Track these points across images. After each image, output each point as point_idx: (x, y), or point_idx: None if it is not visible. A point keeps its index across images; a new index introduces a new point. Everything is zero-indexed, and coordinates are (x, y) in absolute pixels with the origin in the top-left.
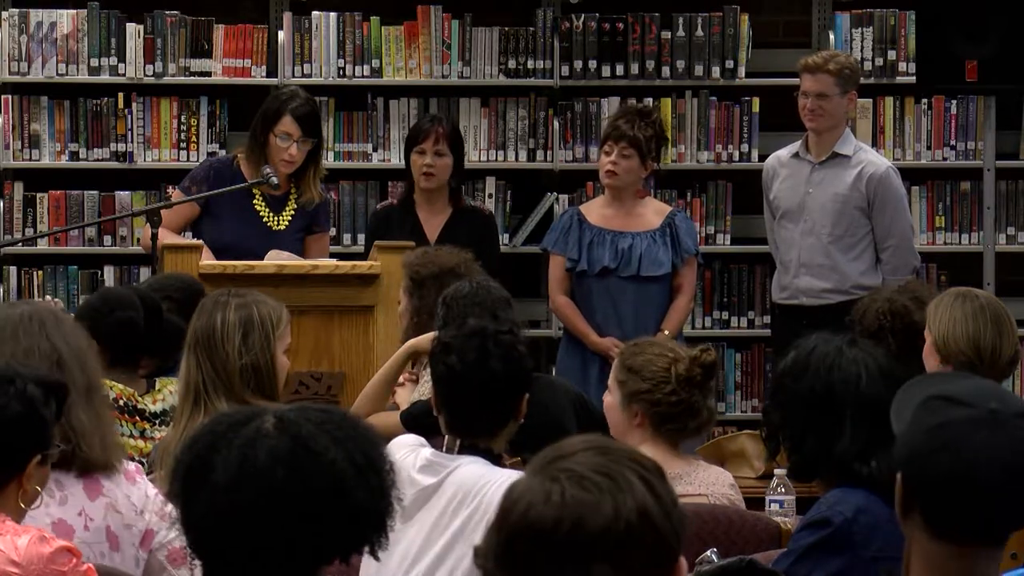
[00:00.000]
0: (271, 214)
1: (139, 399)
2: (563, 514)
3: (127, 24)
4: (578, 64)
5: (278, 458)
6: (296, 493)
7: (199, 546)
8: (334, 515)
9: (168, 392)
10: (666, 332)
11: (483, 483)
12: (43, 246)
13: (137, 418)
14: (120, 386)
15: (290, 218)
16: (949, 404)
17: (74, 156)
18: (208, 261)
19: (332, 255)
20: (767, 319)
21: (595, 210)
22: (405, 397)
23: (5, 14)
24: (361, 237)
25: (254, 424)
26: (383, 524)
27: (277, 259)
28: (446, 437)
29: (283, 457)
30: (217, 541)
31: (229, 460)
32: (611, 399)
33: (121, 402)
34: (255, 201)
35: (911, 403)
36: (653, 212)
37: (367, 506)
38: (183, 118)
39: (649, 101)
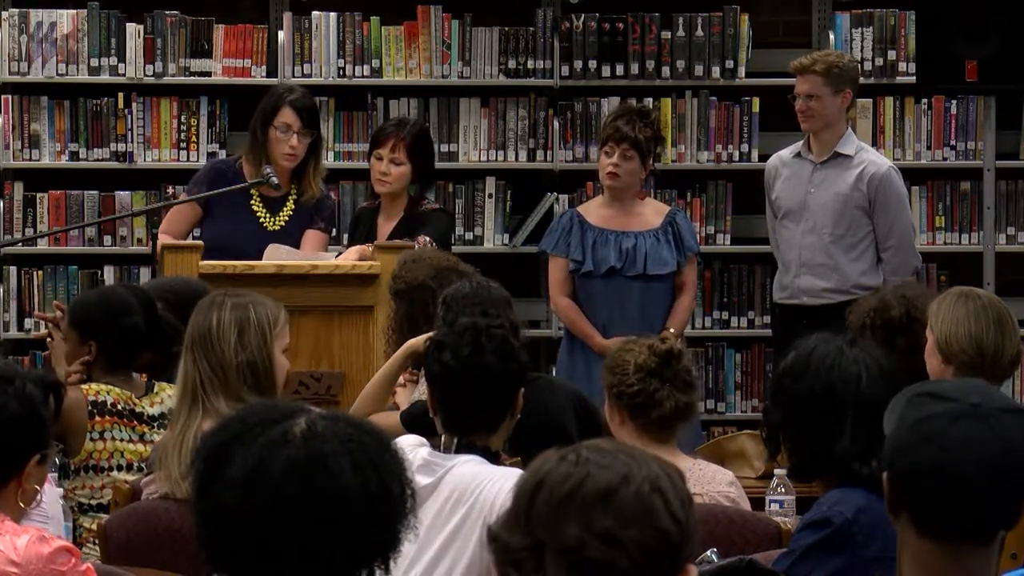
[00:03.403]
0: (267, 215)
1: (136, 402)
2: (574, 471)
3: (127, 24)
4: (578, 64)
5: (292, 469)
6: (300, 510)
7: (204, 534)
8: (335, 537)
9: (167, 395)
10: (672, 330)
11: (479, 481)
12: (43, 246)
13: (135, 422)
14: (117, 390)
15: (287, 218)
16: (932, 399)
17: (74, 156)
18: (208, 261)
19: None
20: (767, 319)
21: (594, 211)
22: (405, 397)
23: (5, 14)
24: None
25: (283, 426)
26: (385, 552)
27: (276, 255)
28: (443, 436)
29: (297, 470)
30: (219, 535)
31: (247, 458)
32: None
33: (119, 406)
34: (252, 202)
35: (900, 404)
36: (653, 211)
37: (369, 537)
38: (183, 118)
39: (649, 101)
